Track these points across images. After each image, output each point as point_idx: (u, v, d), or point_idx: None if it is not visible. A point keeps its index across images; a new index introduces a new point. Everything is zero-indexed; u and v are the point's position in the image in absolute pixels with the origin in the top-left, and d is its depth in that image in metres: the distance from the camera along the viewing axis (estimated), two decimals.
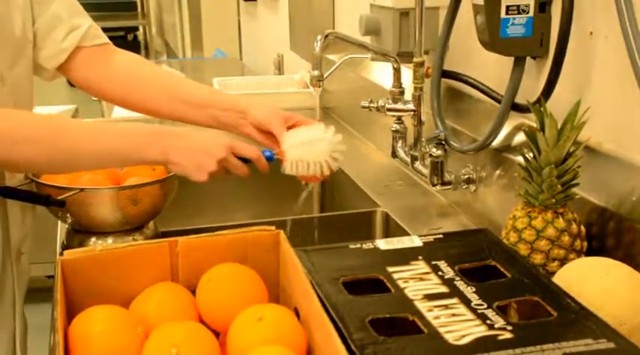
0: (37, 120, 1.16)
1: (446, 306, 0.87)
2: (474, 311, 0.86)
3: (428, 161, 1.48)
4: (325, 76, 1.52)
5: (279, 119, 1.24)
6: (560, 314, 0.85)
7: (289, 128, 1.23)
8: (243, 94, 2.38)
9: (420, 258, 0.99)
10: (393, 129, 1.62)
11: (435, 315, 0.85)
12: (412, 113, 1.54)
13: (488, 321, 0.83)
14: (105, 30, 1.40)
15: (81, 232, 1.32)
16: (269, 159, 1.18)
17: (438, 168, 1.47)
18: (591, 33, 1.13)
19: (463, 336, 0.81)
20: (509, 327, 0.82)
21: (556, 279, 0.96)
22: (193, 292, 0.94)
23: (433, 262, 0.98)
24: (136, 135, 1.15)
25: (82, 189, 1.25)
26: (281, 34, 2.95)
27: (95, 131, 1.16)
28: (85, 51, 1.34)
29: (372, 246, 1.03)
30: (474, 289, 0.91)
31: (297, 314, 0.89)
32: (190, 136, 1.15)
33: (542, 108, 1.06)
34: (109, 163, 1.22)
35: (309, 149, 1.16)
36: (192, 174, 1.13)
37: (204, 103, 1.31)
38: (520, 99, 1.25)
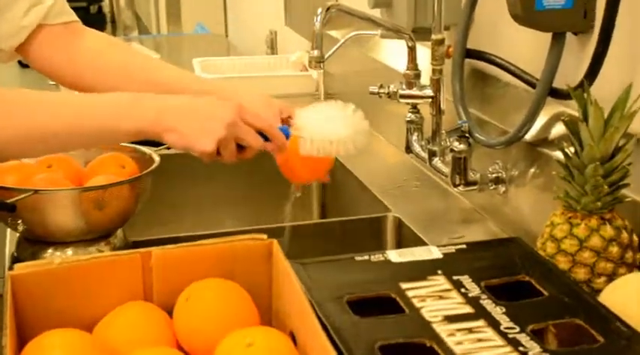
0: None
1: (470, 330, 0.87)
2: (503, 335, 0.86)
3: (449, 157, 1.48)
4: (326, 56, 1.52)
5: (273, 110, 1.24)
6: (608, 340, 0.85)
7: (283, 122, 1.23)
8: (229, 79, 2.38)
9: (440, 272, 1.00)
10: (408, 119, 1.62)
11: (458, 340, 0.85)
12: (430, 100, 1.54)
13: (521, 348, 0.84)
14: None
15: (35, 242, 1.32)
16: (285, 134, 1.16)
17: (460, 166, 1.47)
18: None
19: None
20: None
21: (602, 298, 0.96)
22: (170, 313, 0.94)
23: (455, 277, 0.98)
24: (116, 101, 1.12)
25: (36, 191, 1.24)
26: (274, 7, 2.95)
27: (63, 103, 1.15)
28: (48, 29, 1.34)
29: (383, 258, 1.04)
30: (503, 310, 0.91)
31: (294, 339, 0.89)
32: (189, 97, 1.13)
33: (585, 94, 1.06)
34: (80, 143, 1.20)
35: (329, 125, 1.15)
36: (195, 142, 1.08)
37: (184, 90, 1.30)
38: (559, 83, 1.25)
